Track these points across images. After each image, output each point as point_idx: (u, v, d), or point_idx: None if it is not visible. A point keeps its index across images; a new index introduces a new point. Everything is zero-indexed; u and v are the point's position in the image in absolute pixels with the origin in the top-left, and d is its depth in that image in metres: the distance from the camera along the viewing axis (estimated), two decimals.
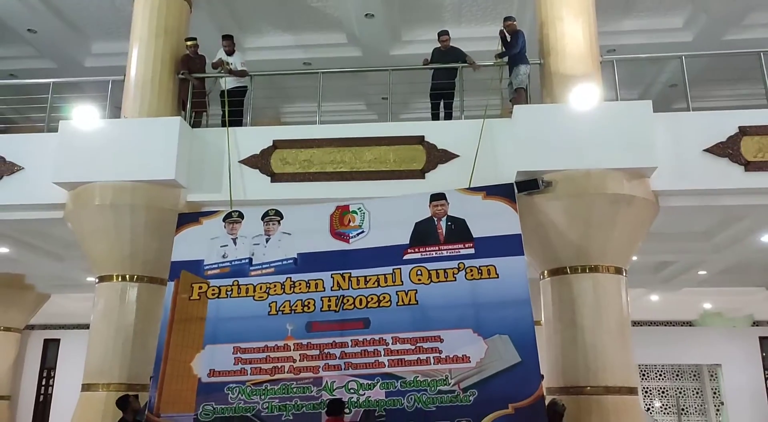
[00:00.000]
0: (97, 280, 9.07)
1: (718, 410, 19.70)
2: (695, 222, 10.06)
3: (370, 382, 7.48)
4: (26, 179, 9.14)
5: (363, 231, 8.35)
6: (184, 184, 8.83)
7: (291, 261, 8.30)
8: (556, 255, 8.48)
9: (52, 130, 9.27)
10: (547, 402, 7.55)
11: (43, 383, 15.35)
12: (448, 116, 9.79)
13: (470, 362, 7.40)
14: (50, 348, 15.51)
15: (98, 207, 8.64)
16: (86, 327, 16.82)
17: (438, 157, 8.72)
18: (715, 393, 20.13)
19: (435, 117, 9.85)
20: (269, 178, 8.88)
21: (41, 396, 15.27)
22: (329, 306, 7.95)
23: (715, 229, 10.36)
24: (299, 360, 7.69)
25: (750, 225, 9.68)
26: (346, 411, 7.23)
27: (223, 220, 8.59)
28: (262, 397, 7.55)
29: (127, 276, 8.83)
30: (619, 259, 8.44)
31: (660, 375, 20.78)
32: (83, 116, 9.23)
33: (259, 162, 8.94)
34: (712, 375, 20.09)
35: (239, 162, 8.95)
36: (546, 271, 8.75)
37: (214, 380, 7.70)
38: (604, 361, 7.99)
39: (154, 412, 7.55)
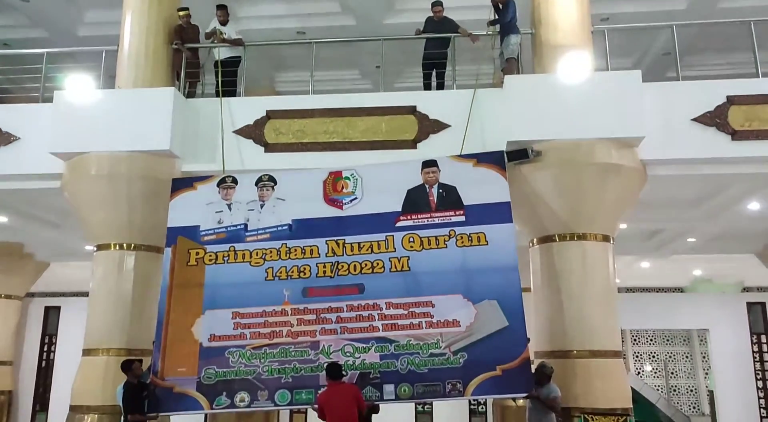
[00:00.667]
0: (95, 249, 9.25)
1: (707, 373, 20.16)
2: (683, 191, 10.19)
3: (365, 346, 7.78)
4: (23, 149, 9.26)
5: (356, 198, 8.51)
6: (179, 154, 8.94)
7: (286, 227, 8.48)
8: (545, 224, 8.65)
9: (47, 100, 9.36)
10: (536, 366, 7.84)
11: (45, 349, 15.65)
12: (440, 86, 9.87)
13: (460, 326, 7.71)
14: (51, 316, 15.77)
15: (95, 177, 8.78)
16: (86, 294, 17.02)
17: (430, 127, 8.83)
18: (704, 357, 20.56)
19: (427, 87, 9.91)
20: (263, 148, 9.00)
21: (43, 362, 15.58)
22: (324, 272, 8.17)
23: (703, 197, 10.50)
24: (296, 325, 7.96)
25: (737, 194, 9.84)
26: (343, 373, 7.50)
27: (217, 186, 8.71)
28: (262, 361, 7.83)
29: (125, 245, 9.00)
30: (606, 227, 8.62)
31: (651, 340, 21.20)
32: (77, 86, 9.30)
33: (253, 132, 9.05)
34: (701, 340, 20.49)
35: (233, 132, 9.06)
36: (535, 239, 8.94)
37: (214, 344, 7.95)
38: (590, 326, 8.24)
39: (158, 375, 7.83)
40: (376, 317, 7.87)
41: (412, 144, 8.81)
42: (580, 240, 8.52)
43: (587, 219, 8.48)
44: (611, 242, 8.68)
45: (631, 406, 8.08)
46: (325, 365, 7.49)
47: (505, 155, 8.35)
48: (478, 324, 7.69)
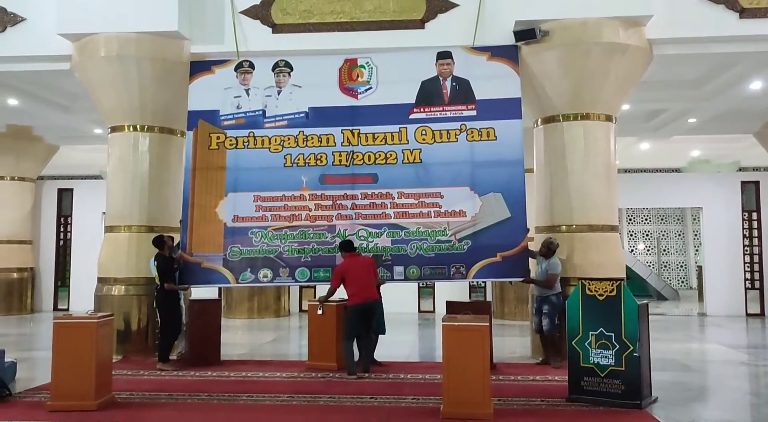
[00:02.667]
0: (109, 131, 9.46)
1: (697, 250, 20.99)
2: (687, 71, 10.27)
3: (377, 231, 8.36)
4: (30, 30, 9.24)
5: (371, 88, 8.71)
6: (187, 35, 8.94)
7: (303, 114, 8.75)
8: (550, 104, 8.82)
9: None
10: (542, 241, 8.33)
11: (61, 229, 16.20)
12: None
13: (466, 216, 8.31)
14: (64, 197, 16.17)
15: (104, 58, 8.83)
16: (97, 177, 17.55)
17: (437, 6, 8.79)
18: (695, 235, 21.33)
19: None
20: (270, 29, 8.99)
21: (61, 241, 16.18)
22: (340, 160, 8.57)
23: (706, 77, 10.58)
24: (314, 210, 8.47)
25: (741, 73, 9.91)
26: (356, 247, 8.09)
27: (235, 70, 8.88)
28: (283, 241, 8.38)
29: (138, 126, 9.20)
30: (610, 107, 8.80)
31: (646, 219, 21.90)
32: None
33: (260, 12, 9.00)
34: (694, 219, 21.17)
35: (240, 13, 9.01)
36: (539, 119, 9.14)
37: (238, 225, 8.45)
38: (589, 202, 8.62)
39: (186, 251, 8.40)
40: (389, 205, 8.42)
41: (420, 23, 8.81)
42: (583, 120, 8.72)
43: (591, 100, 8.64)
44: (614, 122, 8.90)
45: (625, 277, 8.66)
46: (341, 233, 8.15)
47: (513, 35, 8.41)
48: (483, 215, 8.28)
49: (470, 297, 14.46)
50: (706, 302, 14.68)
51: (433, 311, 15.28)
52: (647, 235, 21.95)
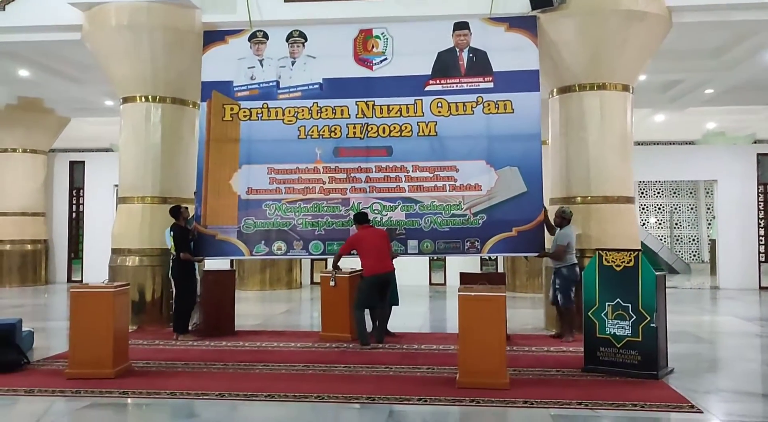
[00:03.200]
0: (121, 102, 9.41)
1: (709, 224, 20.84)
2: (706, 39, 10.07)
3: (392, 204, 8.31)
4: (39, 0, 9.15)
5: (386, 59, 8.60)
6: (198, 4, 8.83)
7: (317, 86, 8.65)
8: (566, 73, 8.69)
9: None
10: (556, 210, 8.25)
11: (74, 201, 16.25)
12: None
13: (482, 190, 8.23)
14: (76, 170, 16.18)
15: (115, 28, 8.75)
16: (107, 150, 17.54)
17: None
18: (708, 208, 21.16)
19: None
20: None
21: (73, 214, 16.24)
22: (354, 133, 8.49)
23: (725, 46, 10.39)
24: (328, 183, 8.43)
25: (762, 41, 9.71)
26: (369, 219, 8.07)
27: (249, 40, 8.78)
28: (297, 214, 8.36)
29: (150, 97, 9.14)
30: (627, 77, 8.66)
31: (658, 192, 21.73)
32: None
33: None
34: (707, 192, 20.98)
35: None
36: (555, 89, 9.01)
37: (252, 197, 8.44)
38: (605, 173, 8.53)
39: (201, 223, 8.38)
40: (403, 179, 8.36)
41: None
42: (600, 90, 8.59)
43: (608, 69, 8.50)
44: (631, 92, 8.76)
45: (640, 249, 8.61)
46: (355, 206, 8.12)
47: (530, 2, 8.26)
48: (499, 189, 8.21)
49: (481, 270, 14.44)
50: (719, 275, 14.60)
51: (444, 284, 15.29)
52: (659, 209, 21.81)
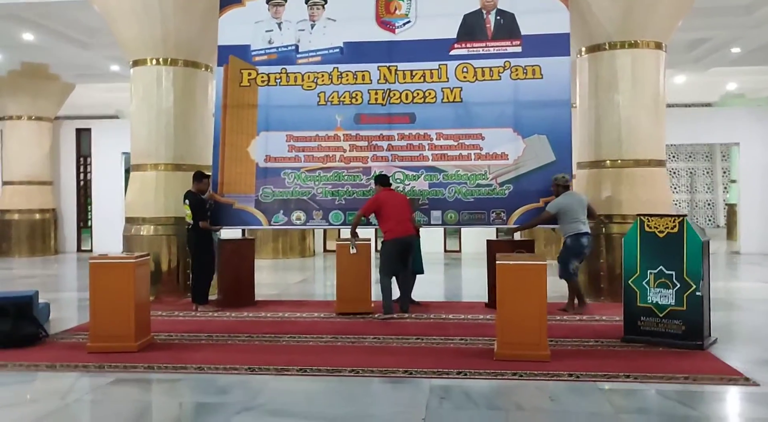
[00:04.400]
0: (131, 65, 9.06)
1: (725, 188, 20.52)
2: None
3: (414, 174, 8.00)
4: None
5: (409, 22, 8.23)
6: None
7: (337, 50, 8.29)
8: (597, 31, 8.31)
9: None
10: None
11: (81, 170, 15.95)
12: None
13: (508, 159, 7.90)
14: (83, 137, 15.84)
15: None
16: (114, 117, 17.20)
17: None
18: (724, 172, 20.83)
19: None
20: None
21: (81, 182, 15.96)
22: (376, 99, 8.15)
23: (757, 2, 9.97)
24: (349, 151, 8.12)
25: None
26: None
27: (267, 2, 8.42)
28: (316, 183, 8.07)
29: (161, 59, 8.79)
30: (660, 34, 8.28)
31: (674, 156, 21.37)
32: None
33: None
34: (723, 156, 20.63)
35: None
36: (584, 48, 8.63)
37: (270, 165, 8.14)
38: (637, 135, 8.22)
39: (218, 192, 8.13)
40: (426, 147, 8.03)
41: None
42: (631, 48, 8.24)
43: (641, 25, 8.12)
44: (663, 50, 8.38)
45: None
46: (376, 174, 7.77)
47: None
48: (526, 158, 7.87)
49: (497, 236, 14.18)
50: (740, 240, 14.34)
51: (459, 251, 15.09)
52: (674, 173, 21.47)
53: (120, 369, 5.30)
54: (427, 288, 8.92)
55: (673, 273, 5.80)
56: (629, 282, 6.03)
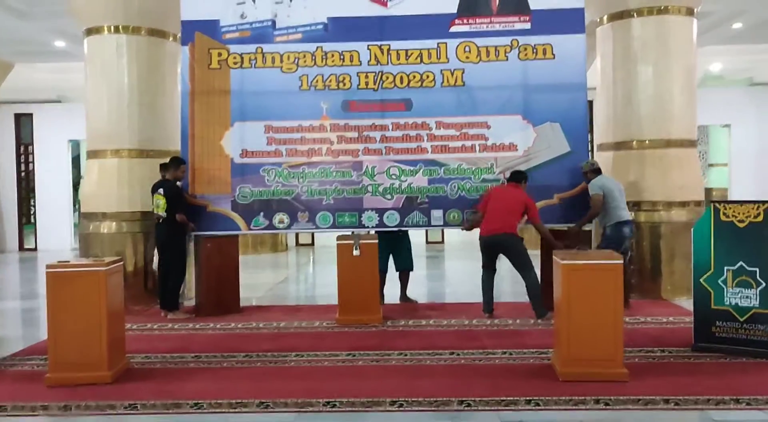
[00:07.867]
0: (84, 34, 7.74)
1: (704, 173, 20.17)
2: None
3: (412, 168, 7.11)
4: None
5: None
6: None
7: (321, 26, 7.23)
8: None
9: None
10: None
11: (22, 160, 14.35)
12: None
13: (517, 150, 7.09)
14: (23, 124, 14.26)
15: None
16: (58, 101, 15.57)
17: None
18: (701, 155, 20.44)
19: None
20: None
21: (22, 173, 14.36)
22: (367, 83, 7.19)
23: None
24: (337, 143, 7.16)
25: None
26: (388, 197, 7.08)
27: None
28: (301, 180, 7.11)
29: (121, 27, 7.52)
30: None
31: None
32: None
33: None
34: (701, 139, 20.23)
35: None
36: (606, 16, 7.76)
37: (247, 161, 7.12)
38: (668, 113, 7.42)
39: (189, 192, 7.04)
40: (425, 137, 7.13)
41: None
42: (660, 14, 7.40)
43: None
44: (695, 16, 7.57)
45: (703, 199, 7.60)
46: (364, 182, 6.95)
47: None
48: (537, 149, 7.06)
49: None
50: None
51: (442, 241, 14.18)
52: None
53: (93, 411, 4.11)
54: (427, 286, 7.98)
55: (757, 269, 4.93)
56: (701, 280, 5.15)
